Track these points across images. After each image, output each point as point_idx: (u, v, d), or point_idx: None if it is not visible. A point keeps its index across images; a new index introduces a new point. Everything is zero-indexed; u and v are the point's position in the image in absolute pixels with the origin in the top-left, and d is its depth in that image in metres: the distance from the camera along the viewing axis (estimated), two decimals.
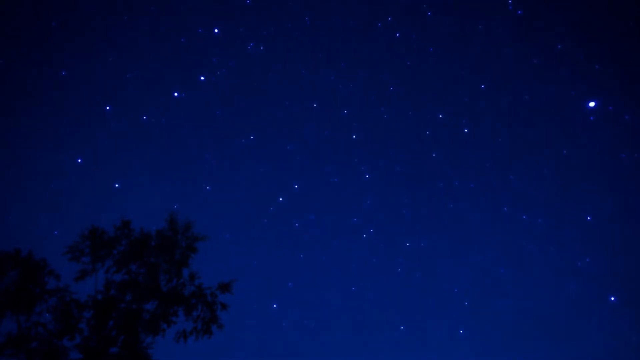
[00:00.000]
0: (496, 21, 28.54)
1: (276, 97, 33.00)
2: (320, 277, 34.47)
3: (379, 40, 31.15)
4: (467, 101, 30.79)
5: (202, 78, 30.96)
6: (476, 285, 32.92)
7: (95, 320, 13.96)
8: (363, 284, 33.91)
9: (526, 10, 27.97)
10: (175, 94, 30.85)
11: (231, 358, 31.27)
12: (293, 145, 33.80)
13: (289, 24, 30.86)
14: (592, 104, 27.94)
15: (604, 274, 30.01)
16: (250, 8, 30.18)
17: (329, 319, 34.04)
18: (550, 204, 31.48)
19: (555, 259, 31.57)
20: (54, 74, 29.31)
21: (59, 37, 28.92)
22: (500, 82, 30.36)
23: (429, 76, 31.63)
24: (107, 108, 30.18)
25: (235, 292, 15.53)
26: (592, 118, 28.54)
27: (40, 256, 14.51)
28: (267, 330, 32.94)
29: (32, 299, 13.80)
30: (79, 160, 30.02)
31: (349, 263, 34.05)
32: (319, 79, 32.31)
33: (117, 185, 29.97)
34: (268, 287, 33.54)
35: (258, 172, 33.63)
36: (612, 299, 29.72)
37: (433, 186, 33.38)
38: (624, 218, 29.81)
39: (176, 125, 31.99)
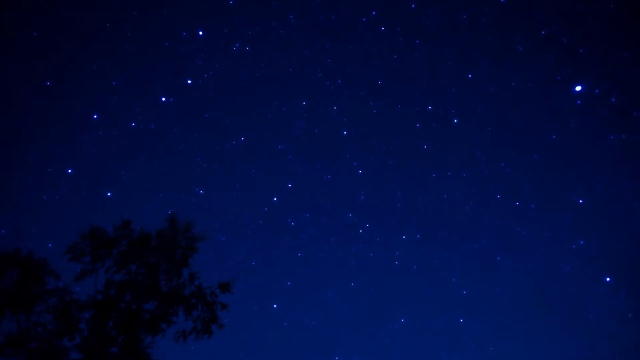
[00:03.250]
0: (480, 10, 28.84)
1: (265, 97, 33.01)
2: (319, 275, 34.55)
3: (364, 35, 31.31)
4: (455, 91, 31.05)
5: (189, 81, 30.82)
6: (474, 274, 33.22)
7: (95, 320, 13.80)
8: (362, 279, 34.05)
9: None
10: (163, 99, 30.71)
11: (231, 358, 31.16)
12: (284, 145, 33.83)
13: (274, 23, 30.90)
14: (578, 88, 28.33)
15: (599, 255, 30.41)
16: (233, 8, 30.17)
17: (330, 316, 34.09)
18: (542, 189, 31.86)
19: (550, 243, 31.94)
20: (38, 84, 29.08)
21: (42, 47, 28.67)
22: (487, 71, 30.67)
23: (416, 68, 31.85)
24: (95, 117, 30.02)
25: (235, 292, 15.41)
26: (579, 102, 28.96)
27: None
28: (267, 331, 32.91)
29: (32, 299, 13.65)
30: (69, 171, 29.80)
31: (347, 259, 34.14)
32: (306, 77, 32.39)
33: (109, 194, 29.77)
34: (267, 287, 33.55)
35: (250, 173, 33.65)
36: (608, 279, 30.10)
37: (426, 178, 33.62)
38: (615, 199, 30.25)
39: (165, 130, 31.86)
